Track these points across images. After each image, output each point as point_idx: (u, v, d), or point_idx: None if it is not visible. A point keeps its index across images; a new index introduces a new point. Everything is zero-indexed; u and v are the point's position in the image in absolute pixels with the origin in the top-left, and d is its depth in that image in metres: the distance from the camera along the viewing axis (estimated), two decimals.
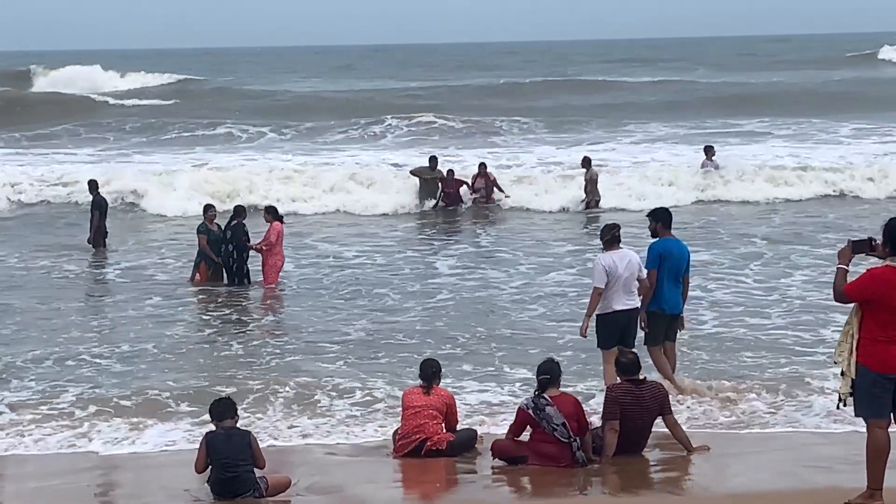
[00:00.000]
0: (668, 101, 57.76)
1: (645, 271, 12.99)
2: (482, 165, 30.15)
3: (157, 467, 11.44)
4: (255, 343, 16.41)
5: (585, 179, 29.00)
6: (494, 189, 29.44)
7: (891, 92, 57.07)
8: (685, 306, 13.61)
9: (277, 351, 15.88)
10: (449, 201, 29.03)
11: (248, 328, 17.55)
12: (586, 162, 29.33)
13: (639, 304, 13.04)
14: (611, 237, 13.06)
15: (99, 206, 23.78)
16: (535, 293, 18.96)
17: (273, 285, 20.15)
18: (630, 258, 13.00)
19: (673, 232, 13.43)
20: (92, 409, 13.14)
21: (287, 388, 13.69)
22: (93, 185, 24.38)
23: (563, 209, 28.81)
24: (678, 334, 13.57)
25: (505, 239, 25.05)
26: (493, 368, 14.63)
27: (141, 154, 39.91)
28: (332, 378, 14.19)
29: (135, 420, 12.72)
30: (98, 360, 15.35)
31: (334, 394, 13.55)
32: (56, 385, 14.18)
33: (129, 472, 11.38)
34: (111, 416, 12.86)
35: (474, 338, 16.14)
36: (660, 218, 13.39)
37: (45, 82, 73.62)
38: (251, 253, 20.52)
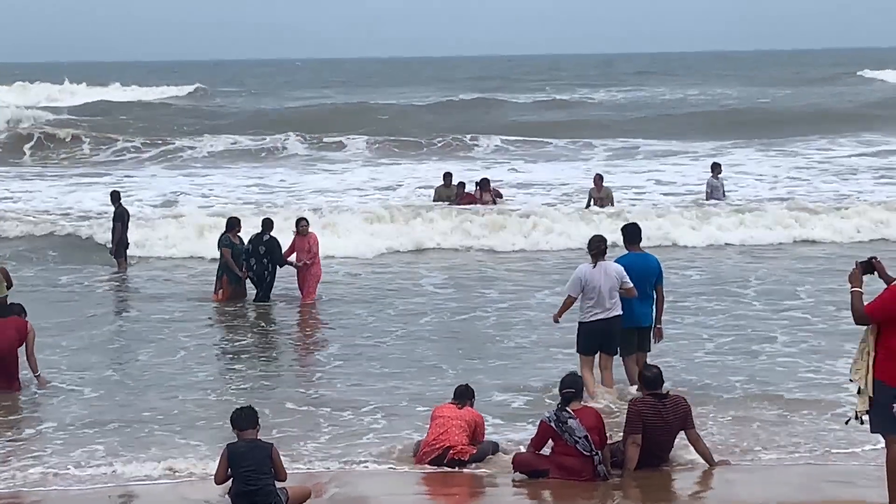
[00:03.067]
0: (637, 117, 58.07)
1: (628, 281, 13.43)
2: (485, 181, 29.49)
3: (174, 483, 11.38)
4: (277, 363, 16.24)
5: (597, 197, 28.13)
6: (497, 201, 28.84)
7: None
8: (663, 316, 14.09)
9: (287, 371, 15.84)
10: None
11: (288, 346, 17.43)
12: (598, 179, 28.73)
13: (620, 314, 13.46)
14: (597, 250, 13.51)
15: (121, 218, 23.47)
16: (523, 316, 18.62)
17: (314, 299, 19.96)
18: (611, 271, 13.45)
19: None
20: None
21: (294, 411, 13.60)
22: (115, 196, 24.06)
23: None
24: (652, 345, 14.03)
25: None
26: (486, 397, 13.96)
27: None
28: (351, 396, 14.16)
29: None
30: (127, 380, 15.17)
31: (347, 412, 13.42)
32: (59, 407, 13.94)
33: (144, 486, 11.27)
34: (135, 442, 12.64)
35: (463, 362, 15.77)
36: (624, 234, 14.09)
37: None
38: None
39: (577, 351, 13.74)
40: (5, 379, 14.62)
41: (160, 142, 47.52)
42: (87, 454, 12.11)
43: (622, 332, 13.62)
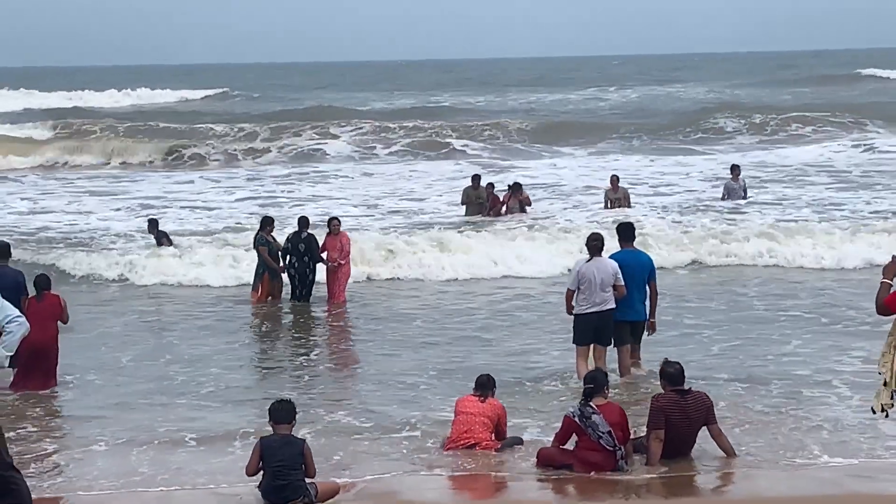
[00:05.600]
0: (634, 120, 57.96)
1: (621, 279, 13.99)
2: (517, 186, 29.15)
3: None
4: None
5: (614, 198, 28.12)
6: (526, 209, 28.52)
7: None
8: (657, 309, 14.73)
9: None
10: (493, 214, 28.12)
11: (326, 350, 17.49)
12: (615, 180, 28.64)
13: (614, 307, 14.07)
14: (593, 246, 14.07)
15: (167, 238, 24.52)
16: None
17: (344, 299, 20.12)
18: (606, 266, 14.00)
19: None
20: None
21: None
22: (153, 223, 24.93)
23: None
24: (644, 337, 14.72)
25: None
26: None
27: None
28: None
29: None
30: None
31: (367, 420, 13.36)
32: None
33: (173, 491, 11.21)
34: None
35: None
36: (618, 232, 14.80)
37: None
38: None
39: (573, 342, 14.35)
40: (40, 376, 14.35)
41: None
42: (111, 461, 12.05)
43: (616, 325, 14.18)
